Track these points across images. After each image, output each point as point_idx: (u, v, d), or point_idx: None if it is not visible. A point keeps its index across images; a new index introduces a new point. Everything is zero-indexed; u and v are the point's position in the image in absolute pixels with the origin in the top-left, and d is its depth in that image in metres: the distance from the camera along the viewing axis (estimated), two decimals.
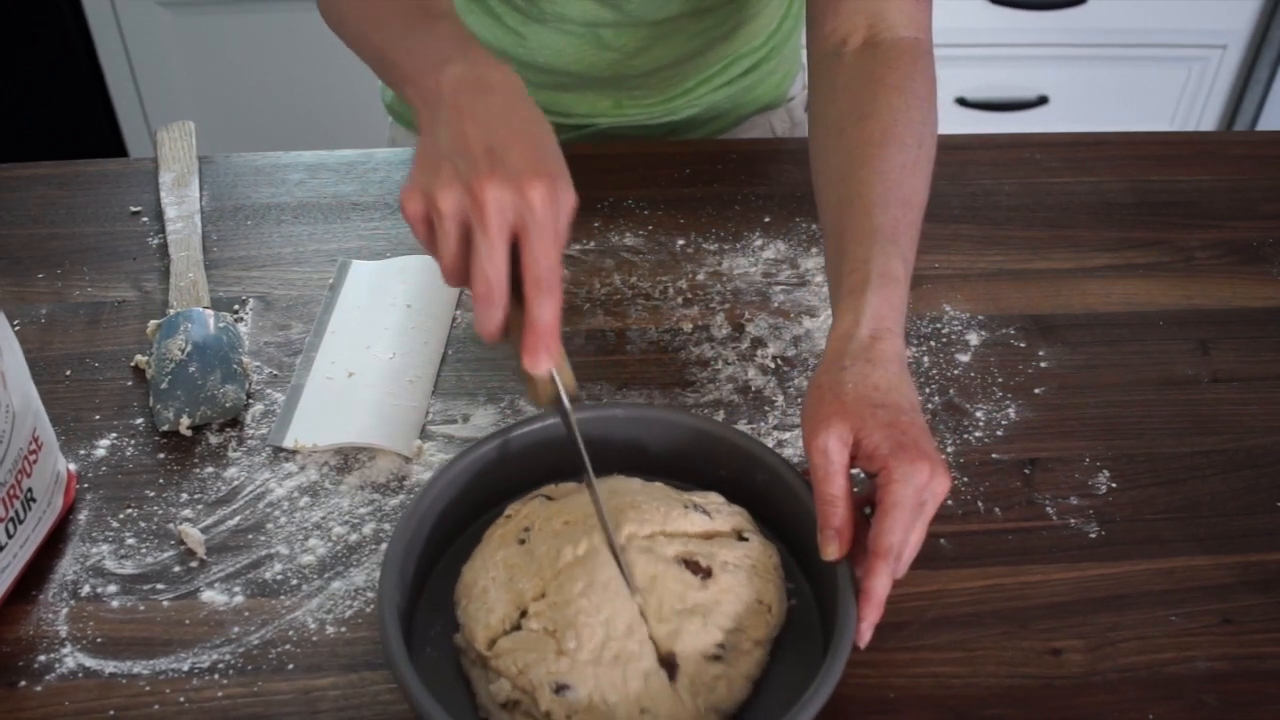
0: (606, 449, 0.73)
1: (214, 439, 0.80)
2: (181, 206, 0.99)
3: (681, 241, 0.98)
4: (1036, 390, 0.85)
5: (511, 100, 0.67)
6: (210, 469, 0.78)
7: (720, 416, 0.82)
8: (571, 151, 1.07)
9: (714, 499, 0.71)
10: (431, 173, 0.63)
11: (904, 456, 0.63)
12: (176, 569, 0.72)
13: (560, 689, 0.60)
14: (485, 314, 0.63)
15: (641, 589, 0.64)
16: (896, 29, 0.82)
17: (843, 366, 0.68)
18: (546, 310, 0.62)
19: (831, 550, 0.64)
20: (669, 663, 0.62)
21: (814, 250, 0.96)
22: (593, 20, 1.00)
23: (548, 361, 0.63)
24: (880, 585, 0.63)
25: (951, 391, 0.85)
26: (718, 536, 0.68)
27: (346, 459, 0.79)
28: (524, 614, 0.64)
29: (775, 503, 0.71)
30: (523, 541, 0.67)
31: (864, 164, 0.76)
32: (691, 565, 0.65)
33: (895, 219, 0.74)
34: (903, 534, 0.63)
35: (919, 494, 0.63)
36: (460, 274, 0.64)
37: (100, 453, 0.79)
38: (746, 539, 0.69)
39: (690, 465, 0.74)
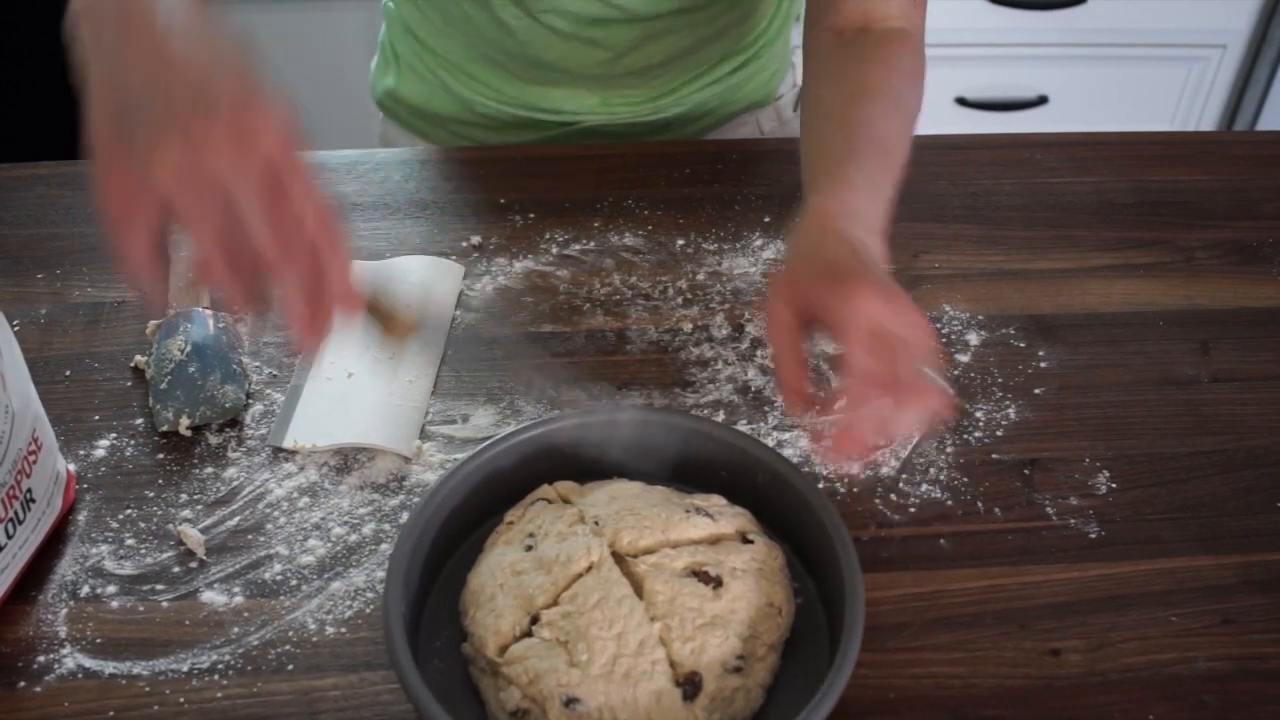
0: (607, 453, 0.73)
1: (213, 439, 0.80)
2: None
3: (681, 241, 0.98)
4: (1036, 390, 0.85)
5: (204, 21, 0.54)
6: (210, 469, 0.78)
7: (720, 417, 0.82)
8: (570, 152, 1.09)
9: (716, 501, 0.71)
10: (126, 138, 0.50)
11: (840, 289, 0.63)
12: (176, 569, 0.72)
13: (570, 702, 0.60)
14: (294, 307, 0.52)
15: (662, 615, 0.63)
16: (890, 21, 0.87)
17: (798, 242, 0.69)
18: (338, 261, 0.53)
19: (789, 405, 0.64)
20: (693, 682, 0.61)
21: None
22: (585, 16, 1.00)
23: (356, 305, 0.56)
24: (860, 418, 0.61)
25: (951, 391, 0.85)
26: (722, 540, 0.68)
27: (346, 459, 0.79)
28: (535, 620, 0.64)
29: (777, 503, 0.71)
30: (529, 548, 0.67)
31: (849, 107, 0.80)
32: (701, 576, 0.65)
33: (871, 147, 0.77)
34: (864, 355, 0.61)
35: (864, 318, 0.62)
36: (230, 261, 0.52)
37: (100, 453, 0.79)
38: (751, 541, 0.68)
39: (691, 468, 0.73)
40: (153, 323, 0.87)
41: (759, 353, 0.87)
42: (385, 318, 0.58)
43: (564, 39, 1.03)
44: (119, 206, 0.50)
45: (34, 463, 0.70)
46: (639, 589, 0.65)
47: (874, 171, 0.76)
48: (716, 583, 0.65)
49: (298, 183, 0.51)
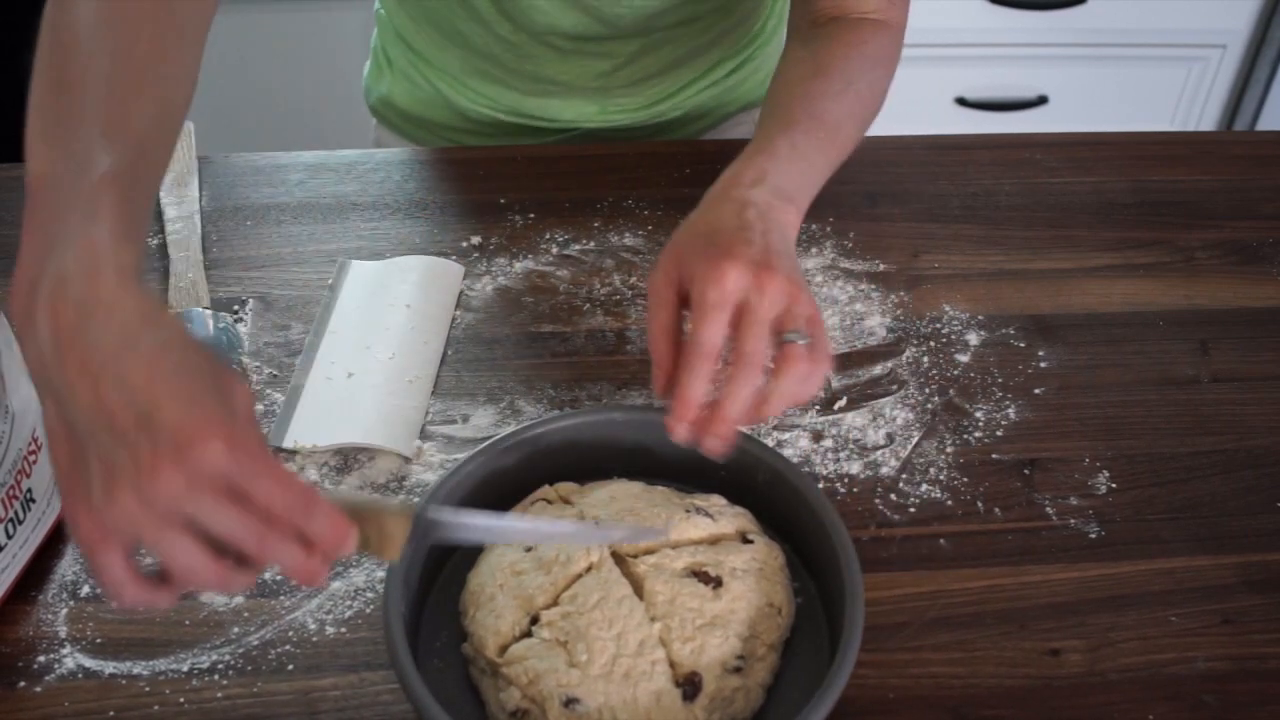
0: (607, 453, 0.73)
1: None
2: (181, 207, 0.99)
3: None
4: (1036, 390, 0.85)
5: (134, 319, 0.50)
6: None
7: None
8: (570, 152, 1.09)
9: (716, 501, 0.71)
10: (82, 472, 0.50)
11: (707, 263, 0.62)
12: None
13: (570, 702, 0.60)
14: (305, 572, 0.52)
15: (662, 616, 0.63)
16: (867, 13, 0.87)
17: (698, 209, 0.68)
18: (317, 524, 0.52)
19: (655, 384, 0.63)
20: (692, 682, 0.61)
21: (813, 250, 0.96)
22: (582, 33, 1.00)
23: (349, 548, 0.55)
24: (690, 383, 0.61)
25: (951, 391, 0.85)
26: (722, 540, 0.68)
27: (346, 459, 0.79)
28: (534, 621, 0.64)
29: (777, 502, 0.71)
30: (529, 548, 0.67)
31: (797, 85, 0.81)
32: (701, 576, 0.65)
33: (809, 123, 0.77)
34: (712, 330, 0.61)
35: (726, 294, 0.61)
36: (233, 571, 0.52)
37: None
38: (751, 541, 0.68)
39: (690, 467, 0.73)
40: None
41: None
42: (377, 544, 0.58)
43: (562, 54, 1.03)
44: (88, 542, 0.50)
45: (34, 463, 0.70)
46: (639, 589, 0.65)
47: (803, 144, 0.74)
48: (716, 583, 0.65)
49: (259, 474, 0.50)
